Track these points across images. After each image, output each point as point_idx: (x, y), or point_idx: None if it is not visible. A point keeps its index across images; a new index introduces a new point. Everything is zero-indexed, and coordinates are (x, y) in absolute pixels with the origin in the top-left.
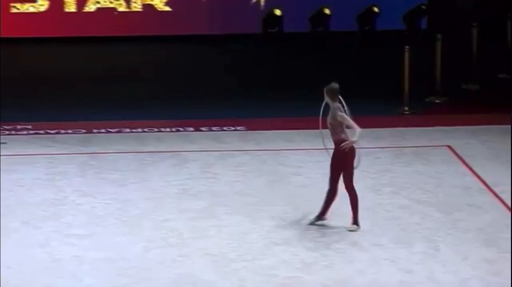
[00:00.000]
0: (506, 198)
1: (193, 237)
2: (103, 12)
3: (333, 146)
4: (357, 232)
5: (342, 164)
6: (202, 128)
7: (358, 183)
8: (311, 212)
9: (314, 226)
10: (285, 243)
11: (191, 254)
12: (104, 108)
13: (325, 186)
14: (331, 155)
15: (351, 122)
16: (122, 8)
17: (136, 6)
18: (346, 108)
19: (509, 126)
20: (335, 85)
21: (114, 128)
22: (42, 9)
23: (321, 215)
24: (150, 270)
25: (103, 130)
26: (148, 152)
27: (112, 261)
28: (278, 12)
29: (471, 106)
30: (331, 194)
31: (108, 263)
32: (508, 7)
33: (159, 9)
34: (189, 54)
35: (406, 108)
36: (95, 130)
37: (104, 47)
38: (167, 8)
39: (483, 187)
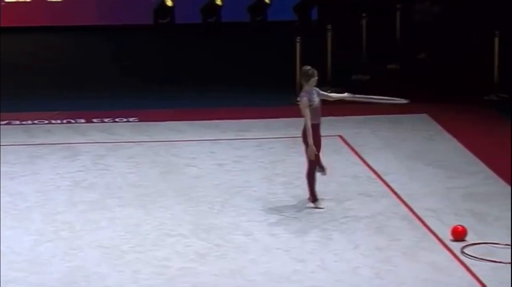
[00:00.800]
0: (396, 186)
1: (85, 230)
2: None
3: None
4: (250, 223)
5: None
6: (94, 120)
7: (252, 174)
8: (204, 202)
9: (205, 218)
10: (178, 234)
11: (83, 246)
12: None
13: (218, 177)
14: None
15: (303, 111)
16: None
17: None
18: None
19: (398, 115)
20: (305, 68)
21: (3, 120)
22: None
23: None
24: (41, 263)
25: None
26: (39, 144)
27: (2, 254)
28: (169, 2)
29: None
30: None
31: None
32: None
33: (49, 0)
34: (80, 45)
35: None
36: None
37: None
38: None
39: (374, 176)
